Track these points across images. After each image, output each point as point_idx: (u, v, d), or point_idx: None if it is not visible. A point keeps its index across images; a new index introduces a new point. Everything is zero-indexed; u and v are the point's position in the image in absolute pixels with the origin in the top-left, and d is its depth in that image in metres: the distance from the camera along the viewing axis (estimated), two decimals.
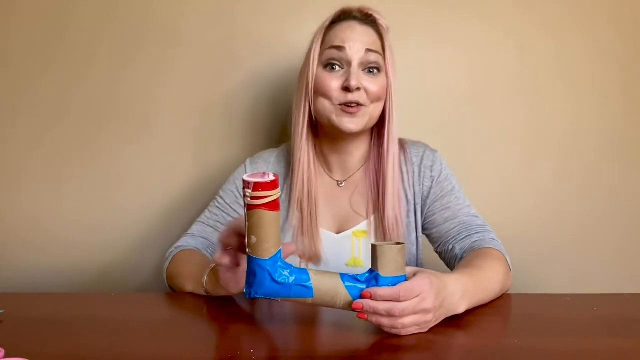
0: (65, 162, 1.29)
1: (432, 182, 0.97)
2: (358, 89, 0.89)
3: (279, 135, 1.29)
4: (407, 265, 0.94)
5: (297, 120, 0.95)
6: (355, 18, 0.93)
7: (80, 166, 1.29)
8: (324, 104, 0.91)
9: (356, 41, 0.90)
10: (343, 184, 1.00)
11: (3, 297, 0.85)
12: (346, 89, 0.89)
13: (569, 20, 1.28)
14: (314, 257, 0.94)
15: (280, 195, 0.95)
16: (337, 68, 0.91)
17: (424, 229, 1.00)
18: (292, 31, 1.26)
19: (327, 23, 0.94)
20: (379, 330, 0.67)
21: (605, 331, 0.68)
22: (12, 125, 1.28)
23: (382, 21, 0.95)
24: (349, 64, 0.90)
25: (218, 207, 1.00)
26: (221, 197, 1.01)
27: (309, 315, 0.75)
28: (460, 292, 0.71)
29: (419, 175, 0.98)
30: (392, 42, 0.96)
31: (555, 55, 1.28)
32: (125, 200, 1.29)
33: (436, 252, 1.00)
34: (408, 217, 0.98)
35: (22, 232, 1.30)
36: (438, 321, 0.69)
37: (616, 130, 1.30)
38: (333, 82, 0.90)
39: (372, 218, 0.96)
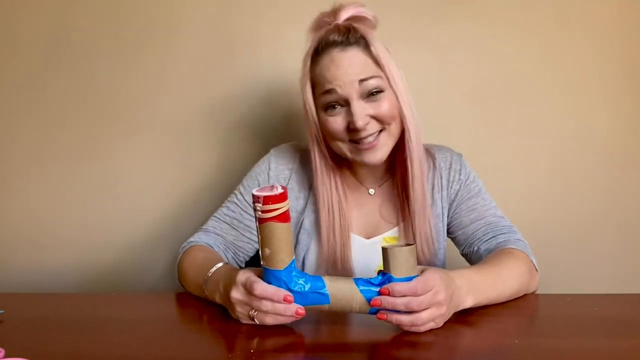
0: (72, 161, 1.29)
1: (460, 185, 0.95)
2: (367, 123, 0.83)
3: (281, 132, 1.29)
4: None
5: (314, 161, 0.91)
6: (334, 44, 0.83)
7: (86, 166, 1.29)
8: (339, 145, 0.87)
9: (344, 76, 0.82)
10: (374, 192, 0.97)
11: (3, 297, 0.85)
12: (354, 129, 0.83)
13: (572, 20, 1.27)
14: (344, 263, 0.91)
15: (308, 197, 0.95)
16: (337, 107, 0.84)
17: (449, 232, 0.98)
18: (291, 32, 1.26)
19: (309, 60, 0.86)
20: (373, 329, 0.67)
21: (605, 331, 0.68)
22: (18, 125, 1.29)
23: (361, 16, 0.85)
24: (347, 102, 0.83)
25: (236, 204, 0.97)
26: (240, 193, 0.97)
27: (308, 315, 0.75)
28: (465, 286, 0.72)
29: (448, 180, 0.96)
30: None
31: (558, 55, 1.28)
32: (131, 200, 1.30)
33: (462, 254, 0.98)
34: (436, 224, 0.96)
35: (28, 233, 1.30)
36: (449, 315, 0.69)
37: (617, 130, 1.29)
38: (337, 124, 0.84)
39: (401, 226, 0.94)
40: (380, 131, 0.85)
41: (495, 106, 1.29)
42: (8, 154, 1.29)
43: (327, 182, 0.92)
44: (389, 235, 0.95)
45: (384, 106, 0.83)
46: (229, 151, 1.29)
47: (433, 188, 0.96)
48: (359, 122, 0.81)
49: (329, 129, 0.86)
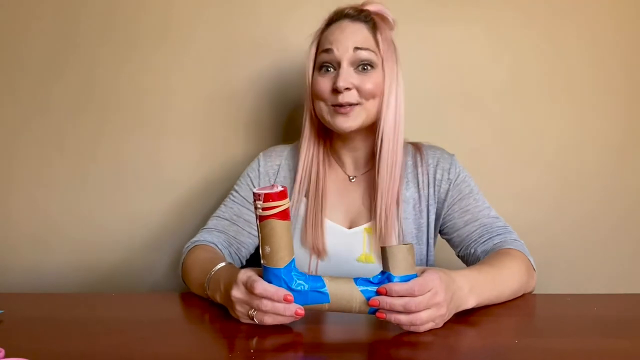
0: (74, 161, 1.29)
1: (449, 185, 0.96)
2: (348, 88, 0.88)
3: (284, 131, 1.29)
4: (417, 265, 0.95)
5: (304, 123, 0.97)
6: (347, 16, 0.93)
7: (88, 166, 1.29)
8: (320, 106, 0.93)
9: (344, 41, 0.89)
10: (355, 179, 1.00)
11: (3, 297, 0.85)
12: (336, 90, 0.89)
13: (569, 21, 1.28)
14: (318, 250, 0.94)
15: (292, 188, 0.97)
16: (330, 69, 0.91)
17: (443, 233, 0.99)
18: (294, 29, 1.26)
19: (323, 26, 0.95)
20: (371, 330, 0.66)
21: (605, 331, 0.68)
22: (22, 124, 1.29)
23: (382, 14, 0.94)
24: (339, 64, 0.90)
25: (233, 201, 1.00)
26: (236, 191, 1.01)
27: (308, 315, 0.75)
28: (467, 286, 0.72)
29: (434, 177, 0.97)
30: (396, 34, 0.95)
31: (552, 56, 1.28)
32: (133, 199, 1.30)
33: (458, 256, 0.98)
34: (417, 219, 0.97)
35: (29, 232, 1.30)
36: (450, 316, 0.69)
37: (616, 131, 1.30)
38: (324, 84, 0.91)
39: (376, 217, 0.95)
40: (356, 105, 0.90)
41: (493, 107, 1.29)
42: (11, 153, 1.29)
43: (313, 143, 0.97)
44: (370, 226, 0.95)
45: (369, 81, 0.90)
46: (232, 151, 1.29)
47: (419, 184, 0.97)
48: (341, 82, 0.87)
49: (316, 89, 0.92)
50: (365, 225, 0.96)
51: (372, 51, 0.90)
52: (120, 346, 0.64)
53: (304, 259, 0.95)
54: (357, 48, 0.89)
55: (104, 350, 0.63)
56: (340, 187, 0.99)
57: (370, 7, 0.94)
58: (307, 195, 0.97)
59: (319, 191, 0.96)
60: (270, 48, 1.27)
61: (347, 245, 0.95)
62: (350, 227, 0.96)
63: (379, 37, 0.91)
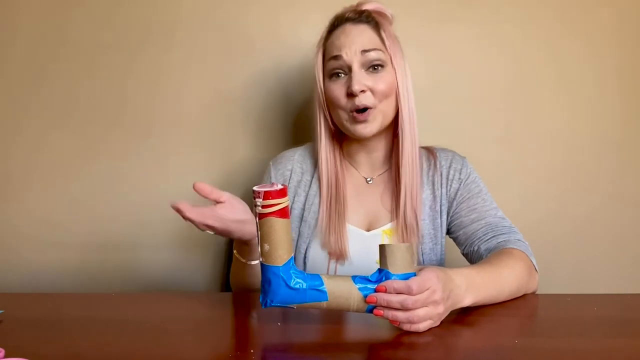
0: (74, 161, 1.28)
1: (459, 184, 0.97)
2: (363, 91, 0.89)
3: (288, 135, 1.29)
4: (429, 264, 0.95)
5: (317, 131, 0.98)
6: (348, 20, 0.94)
7: (89, 166, 1.28)
8: (338, 113, 0.94)
9: (351, 45, 0.90)
10: (372, 181, 1.00)
11: (3, 297, 0.85)
12: (351, 94, 0.89)
13: (572, 21, 1.28)
14: (340, 254, 0.94)
15: (308, 191, 0.98)
16: (341, 75, 0.92)
17: (450, 232, 1.00)
18: (298, 29, 1.26)
19: (325, 33, 0.96)
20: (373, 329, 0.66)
21: (605, 331, 0.68)
22: (22, 126, 1.28)
23: (380, 12, 0.95)
24: (350, 69, 0.90)
25: None
26: None
27: (308, 315, 0.75)
28: (465, 284, 0.72)
29: (447, 178, 0.98)
30: (398, 30, 0.96)
31: (551, 55, 1.28)
32: (135, 200, 1.29)
33: (463, 254, 0.99)
34: (434, 220, 0.97)
35: (30, 232, 1.29)
36: (446, 314, 0.69)
37: (613, 130, 1.30)
38: (338, 91, 0.92)
39: (398, 218, 0.95)
40: (372, 109, 0.91)
41: (494, 107, 1.29)
42: (11, 152, 1.29)
43: (330, 149, 0.98)
44: (389, 228, 0.96)
45: (381, 81, 0.91)
46: (236, 152, 1.29)
47: (434, 185, 0.98)
48: (355, 86, 0.88)
49: (331, 96, 0.93)
50: (384, 228, 0.96)
51: (380, 50, 0.91)
52: (120, 346, 0.64)
53: (323, 263, 0.95)
54: (364, 51, 0.90)
55: (104, 350, 0.63)
56: (358, 190, 1.00)
57: (368, 7, 0.95)
58: (328, 205, 0.97)
59: (339, 195, 0.96)
60: (273, 49, 1.27)
61: (366, 248, 0.95)
62: (368, 230, 0.97)
63: (383, 34, 0.92)
